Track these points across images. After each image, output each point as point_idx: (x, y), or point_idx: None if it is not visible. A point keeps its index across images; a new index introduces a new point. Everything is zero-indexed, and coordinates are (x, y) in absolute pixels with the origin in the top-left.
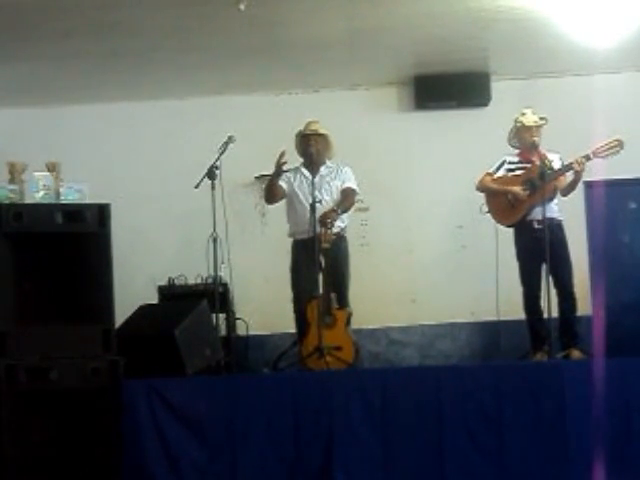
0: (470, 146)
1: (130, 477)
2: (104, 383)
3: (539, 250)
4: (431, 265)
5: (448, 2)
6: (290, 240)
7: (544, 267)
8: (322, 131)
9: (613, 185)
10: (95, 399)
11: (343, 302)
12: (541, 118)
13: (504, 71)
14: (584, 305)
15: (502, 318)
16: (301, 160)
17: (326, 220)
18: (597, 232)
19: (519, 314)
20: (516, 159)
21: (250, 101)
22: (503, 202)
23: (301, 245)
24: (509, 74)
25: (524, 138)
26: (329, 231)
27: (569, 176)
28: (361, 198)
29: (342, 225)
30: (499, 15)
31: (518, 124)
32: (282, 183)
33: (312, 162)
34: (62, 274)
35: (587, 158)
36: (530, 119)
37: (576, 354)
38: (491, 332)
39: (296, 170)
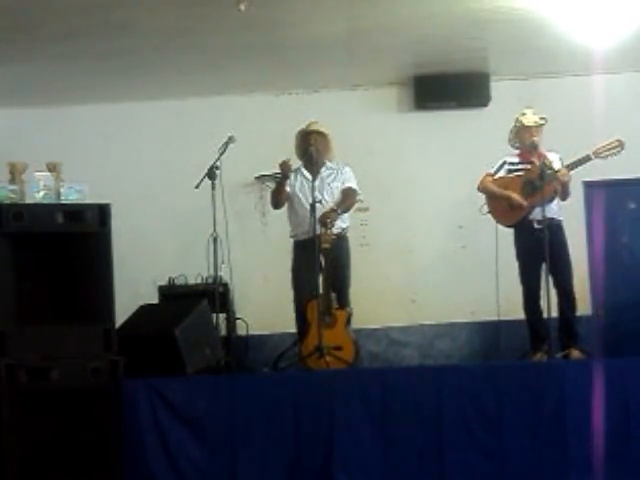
0: (470, 146)
1: (130, 476)
2: (104, 383)
3: (539, 250)
4: (431, 265)
5: (448, 2)
6: (291, 240)
7: (544, 267)
8: (323, 129)
9: (613, 185)
10: (95, 399)
11: (344, 302)
12: (541, 118)
13: (504, 71)
14: (584, 305)
15: (502, 318)
16: (301, 162)
17: (326, 220)
18: (597, 232)
19: (519, 314)
20: (516, 160)
21: (250, 101)
22: (503, 203)
23: (302, 245)
24: (509, 74)
25: (524, 138)
26: (329, 231)
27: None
28: (361, 198)
29: (344, 225)
30: (499, 15)
31: (518, 124)
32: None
33: (312, 162)
34: (62, 274)
35: (587, 158)
36: (530, 119)
37: (576, 354)
38: (491, 332)
39: (296, 172)
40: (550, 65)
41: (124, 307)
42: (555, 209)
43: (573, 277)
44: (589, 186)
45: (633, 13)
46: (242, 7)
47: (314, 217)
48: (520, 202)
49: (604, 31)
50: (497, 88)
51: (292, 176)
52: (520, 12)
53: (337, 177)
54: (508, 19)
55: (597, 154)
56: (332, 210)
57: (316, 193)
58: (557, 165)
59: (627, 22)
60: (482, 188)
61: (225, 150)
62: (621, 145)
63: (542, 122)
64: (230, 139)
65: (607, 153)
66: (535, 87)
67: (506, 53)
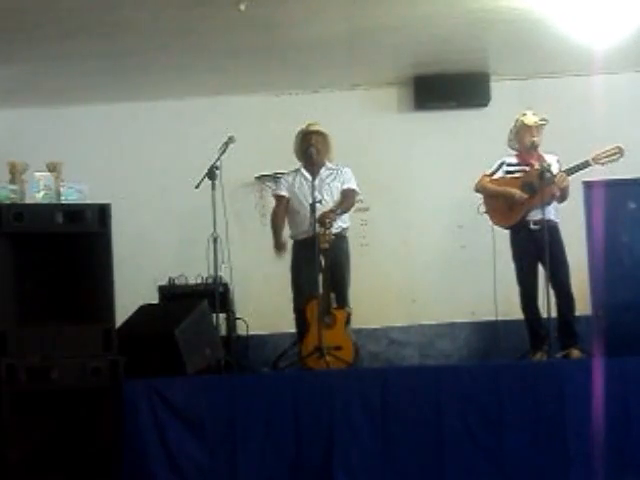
0: (470, 146)
1: (131, 476)
2: (104, 383)
3: (535, 250)
4: (431, 265)
5: (448, 2)
6: (290, 241)
7: (541, 267)
8: (322, 130)
9: (612, 185)
10: (95, 399)
11: (343, 302)
12: (542, 119)
13: (504, 71)
14: (584, 305)
15: (501, 318)
16: (300, 162)
17: (325, 220)
18: (596, 232)
19: (518, 314)
20: (515, 161)
21: (250, 101)
22: (501, 203)
23: (301, 245)
24: (509, 74)
25: (524, 138)
26: (328, 231)
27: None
28: (361, 198)
29: (343, 225)
30: (499, 15)
31: (518, 124)
32: (283, 192)
33: (313, 162)
34: (63, 274)
35: (587, 164)
36: (531, 119)
37: (576, 353)
38: (490, 332)
39: (296, 172)
40: (550, 65)
41: (124, 307)
42: (552, 211)
43: (570, 277)
44: (589, 186)
45: (633, 13)
46: (242, 7)
47: (314, 217)
48: (520, 197)
49: (604, 31)
50: (497, 88)
51: (291, 176)
52: (520, 12)
53: (337, 177)
54: (508, 19)
55: (596, 160)
56: (331, 211)
57: (316, 193)
58: (555, 167)
59: (627, 22)
60: (480, 188)
61: (225, 150)
62: (620, 152)
63: (543, 123)
64: (230, 139)
65: (606, 159)
66: (535, 87)
67: (506, 53)
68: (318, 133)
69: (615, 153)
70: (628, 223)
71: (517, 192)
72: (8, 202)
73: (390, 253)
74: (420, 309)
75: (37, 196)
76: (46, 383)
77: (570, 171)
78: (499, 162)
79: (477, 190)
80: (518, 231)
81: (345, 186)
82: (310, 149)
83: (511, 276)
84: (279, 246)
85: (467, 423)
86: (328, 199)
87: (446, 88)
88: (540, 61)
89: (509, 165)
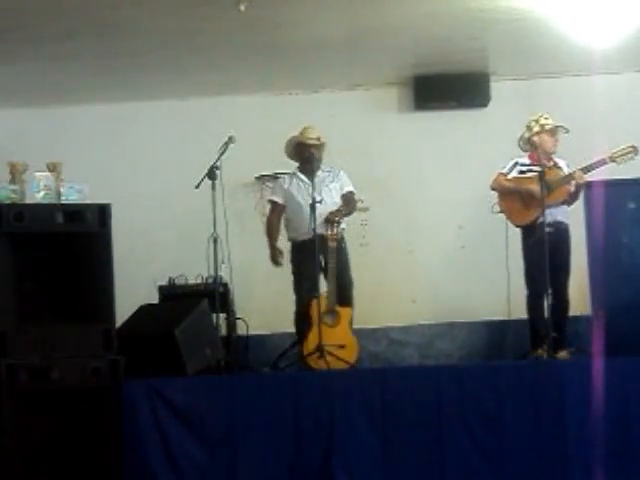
0: (470, 146)
1: (131, 476)
2: (105, 383)
3: (548, 251)
4: (431, 265)
5: (448, 2)
6: (288, 243)
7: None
8: (322, 141)
9: (612, 185)
10: (96, 399)
11: (350, 300)
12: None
13: (504, 71)
14: (584, 305)
15: (501, 318)
16: (294, 166)
17: (334, 219)
18: (596, 232)
19: (518, 313)
20: (528, 161)
21: (250, 101)
22: (517, 201)
23: (303, 246)
24: (509, 74)
25: (546, 140)
26: (336, 230)
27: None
28: (361, 198)
29: (343, 225)
30: (499, 15)
31: (548, 126)
32: (278, 198)
33: (312, 169)
34: (63, 274)
35: (603, 162)
36: (554, 122)
37: (565, 355)
38: (490, 332)
39: (291, 176)
40: (550, 65)
41: (124, 307)
42: (563, 212)
43: (569, 281)
44: (588, 186)
45: (633, 13)
46: (242, 7)
47: (314, 217)
48: (537, 193)
49: (604, 31)
50: (497, 88)
51: (287, 180)
52: (520, 12)
53: (334, 179)
54: (508, 19)
55: (612, 158)
56: (338, 210)
57: (315, 193)
58: (566, 171)
59: (627, 22)
60: (497, 186)
61: (225, 150)
62: (635, 151)
63: (564, 130)
64: (230, 139)
65: (622, 158)
66: (535, 87)
67: (506, 53)
68: (317, 145)
69: (630, 152)
70: (628, 223)
71: (536, 188)
72: (8, 202)
73: (390, 253)
74: (420, 309)
75: (37, 196)
76: (46, 383)
77: (587, 169)
78: (512, 162)
79: (494, 188)
80: (532, 232)
81: (345, 189)
82: (312, 158)
83: (512, 276)
84: (275, 257)
85: (467, 423)
86: (327, 200)
87: (446, 88)
88: (540, 61)
89: (522, 165)
